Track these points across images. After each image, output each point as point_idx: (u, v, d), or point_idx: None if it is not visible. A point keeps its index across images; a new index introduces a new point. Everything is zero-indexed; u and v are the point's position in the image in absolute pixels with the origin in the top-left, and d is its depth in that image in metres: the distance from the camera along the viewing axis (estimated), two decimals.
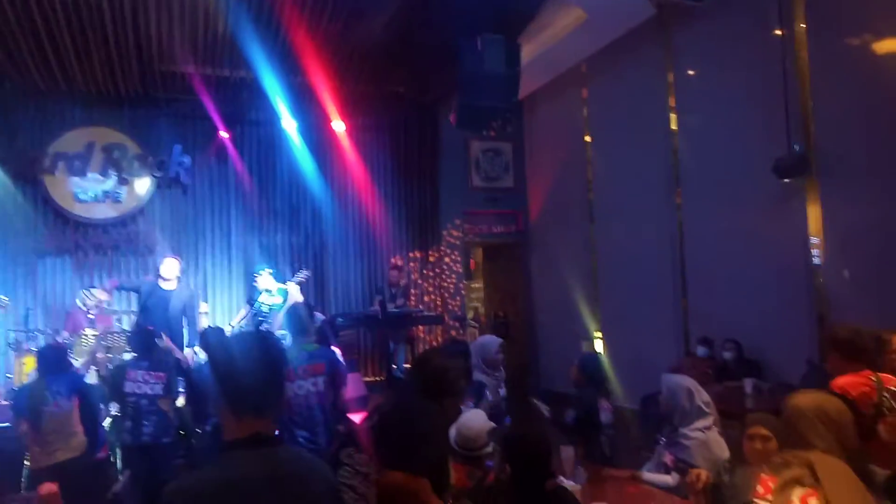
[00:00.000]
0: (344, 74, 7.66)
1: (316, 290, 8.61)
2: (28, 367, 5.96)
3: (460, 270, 9.61)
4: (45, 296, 7.35)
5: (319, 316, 6.51)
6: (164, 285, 6.09)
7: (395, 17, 6.63)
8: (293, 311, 4.58)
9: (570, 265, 8.54)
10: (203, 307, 7.41)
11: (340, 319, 7.94)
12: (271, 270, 6.74)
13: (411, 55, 7.51)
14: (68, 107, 7.50)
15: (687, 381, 3.67)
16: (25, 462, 4.44)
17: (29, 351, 6.19)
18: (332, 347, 5.39)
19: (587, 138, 8.29)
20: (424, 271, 9.29)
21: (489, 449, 3.08)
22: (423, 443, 2.06)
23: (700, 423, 3.49)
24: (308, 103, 8.09)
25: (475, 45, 6.17)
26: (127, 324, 6.84)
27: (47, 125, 7.45)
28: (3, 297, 5.85)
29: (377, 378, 8.23)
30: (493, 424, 3.21)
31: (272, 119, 8.20)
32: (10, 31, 6.03)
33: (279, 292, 6.57)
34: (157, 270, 6.18)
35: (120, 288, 6.57)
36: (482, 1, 6.18)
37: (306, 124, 8.36)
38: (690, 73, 6.70)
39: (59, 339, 6.24)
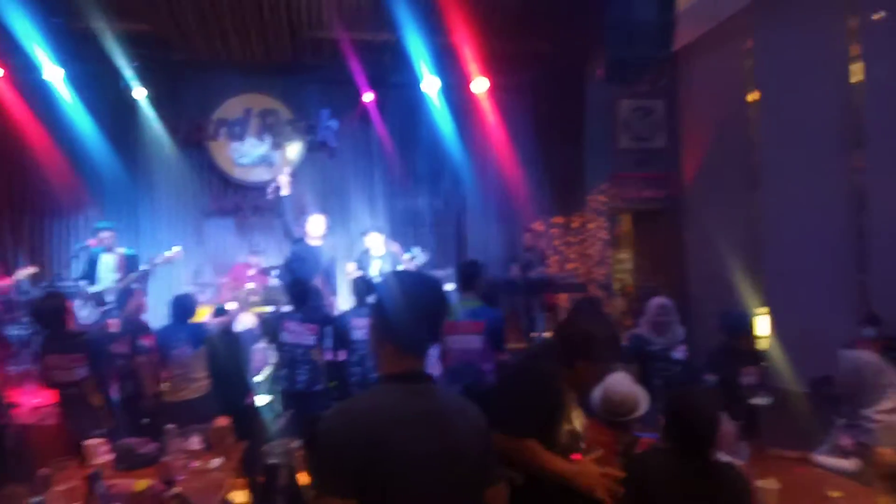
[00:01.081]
0: (487, 31, 7.43)
1: (457, 254, 8.60)
2: (199, 318, 6.46)
3: (606, 237, 9.15)
4: (211, 253, 7.95)
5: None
6: (311, 242, 6.30)
7: None
8: (460, 268, 4.59)
9: (730, 234, 7.78)
10: (349, 266, 7.64)
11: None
12: (382, 235, 6.81)
13: (557, 6, 7.13)
14: (228, 76, 7.96)
15: (873, 358, 3.24)
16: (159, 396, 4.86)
17: (199, 303, 6.72)
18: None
19: (751, 94, 7.46)
20: (567, 238, 8.95)
21: (638, 413, 2.92)
22: (524, 404, 2.21)
23: (887, 405, 3.10)
24: (449, 64, 7.97)
25: None
26: (279, 279, 7.18)
27: (210, 94, 8.00)
28: (176, 247, 6.34)
29: (517, 345, 8.07)
30: (640, 389, 3.00)
31: (413, 82, 8.20)
32: (179, 5, 6.44)
33: (386, 257, 6.66)
34: (304, 228, 6.40)
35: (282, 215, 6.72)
36: None
37: (447, 86, 8.27)
38: (876, 17, 5.75)
39: (224, 293, 6.74)
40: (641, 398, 2.94)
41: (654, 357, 4.29)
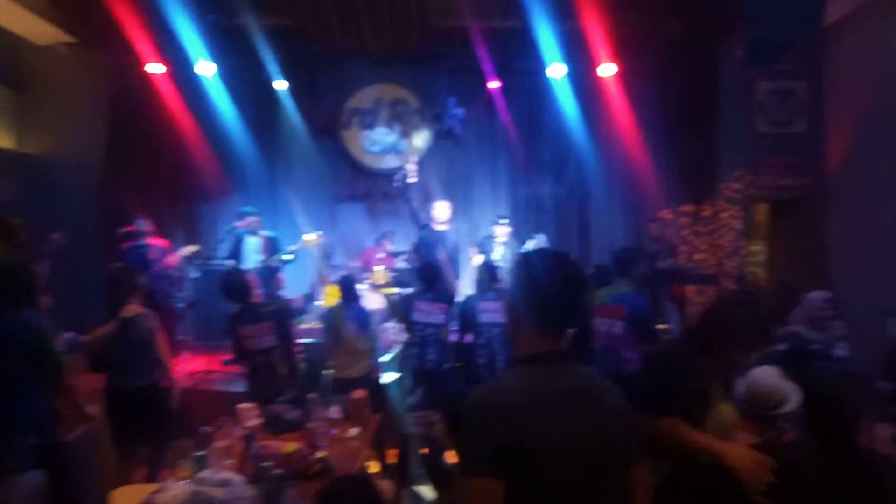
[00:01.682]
0: (616, 14, 7.22)
1: (580, 242, 8.49)
2: (331, 296, 6.86)
3: (739, 228, 8.64)
4: (343, 236, 8.37)
5: None
6: (437, 227, 6.47)
7: None
8: (616, 254, 4.59)
9: (881, 225, 7.09)
10: (472, 252, 7.78)
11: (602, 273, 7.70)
12: (507, 221, 6.81)
13: None
14: (361, 66, 8.29)
15: None
16: (325, 371, 5.12)
17: (332, 282, 7.13)
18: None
19: None
20: (696, 228, 8.55)
21: (785, 409, 2.77)
22: (671, 386, 2.18)
23: None
24: (576, 50, 7.83)
25: None
26: (407, 263, 7.43)
27: (344, 85, 8.41)
28: (317, 233, 6.75)
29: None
30: (790, 384, 2.83)
31: (539, 68, 8.13)
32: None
33: (509, 243, 6.66)
34: (430, 213, 6.59)
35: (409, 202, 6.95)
36: None
37: (573, 72, 8.13)
38: None
39: (354, 273, 7.08)
40: (790, 394, 2.79)
41: (814, 356, 4.03)
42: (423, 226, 6.49)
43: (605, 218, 8.56)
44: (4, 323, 2.84)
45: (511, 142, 8.47)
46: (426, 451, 2.44)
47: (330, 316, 5.08)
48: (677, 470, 2.14)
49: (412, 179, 6.65)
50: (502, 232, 6.72)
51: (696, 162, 8.49)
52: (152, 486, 3.70)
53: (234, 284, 4.53)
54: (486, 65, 7.91)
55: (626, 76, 8.29)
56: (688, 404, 2.16)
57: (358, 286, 5.44)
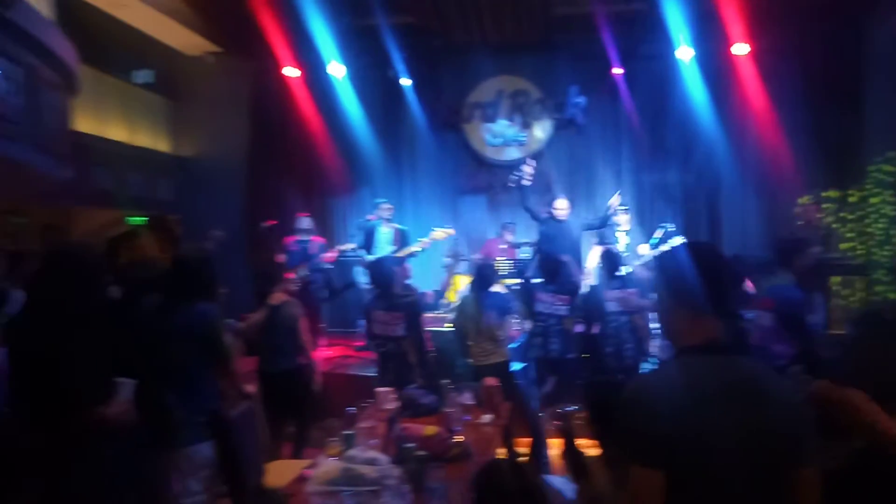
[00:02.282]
0: None
1: (709, 232, 8.12)
2: (457, 286, 7.04)
3: (891, 214, 7.88)
4: (465, 228, 8.53)
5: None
6: (557, 219, 6.48)
7: None
8: (777, 244, 4.52)
9: None
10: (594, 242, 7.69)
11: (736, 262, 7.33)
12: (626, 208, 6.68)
13: None
14: (481, 59, 8.33)
15: None
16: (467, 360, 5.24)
17: (457, 273, 7.32)
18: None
19: None
20: (841, 214, 7.90)
21: None
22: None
23: None
24: (705, 30, 7.48)
25: None
26: (528, 254, 7.46)
27: (465, 78, 8.53)
28: (448, 230, 6.96)
29: None
30: None
31: (665, 52, 7.84)
32: None
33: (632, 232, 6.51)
34: (551, 206, 6.57)
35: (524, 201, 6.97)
36: None
37: (703, 53, 7.77)
38: None
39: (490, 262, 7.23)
40: None
41: None
42: (544, 220, 6.51)
43: (738, 206, 8.11)
44: (183, 314, 3.13)
45: (635, 129, 8.23)
46: (563, 442, 2.46)
47: (468, 304, 5.10)
48: (859, 457, 1.97)
49: (527, 182, 6.68)
50: (624, 220, 6.59)
51: (841, 142, 7.82)
52: (303, 462, 4.01)
53: (379, 272, 4.77)
54: (610, 51, 7.72)
55: (761, 53, 7.78)
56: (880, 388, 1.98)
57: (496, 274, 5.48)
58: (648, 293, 4.90)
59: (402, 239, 6.92)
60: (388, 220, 6.98)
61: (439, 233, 6.84)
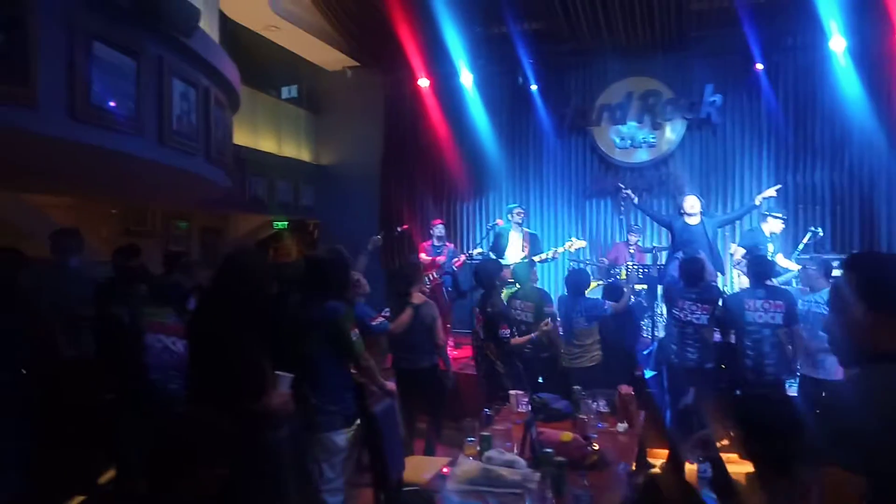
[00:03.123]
0: None
1: (862, 237, 7.45)
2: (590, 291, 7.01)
3: None
4: (591, 232, 8.47)
5: None
6: (689, 220, 6.24)
7: None
8: None
9: None
10: (732, 248, 7.31)
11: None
12: (783, 216, 6.25)
13: None
14: (610, 61, 8.21)
15: None
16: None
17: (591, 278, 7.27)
18: None
19: None
20: None
21: None
22: None
23: None
24: (864, 15, 6.91)
25: None
26: (661, 259, 7.25)
27: (593, 81, 8.40)
28: (581, 241, 6.99)
29: None
30: None
31: (814, 42, 7.33)
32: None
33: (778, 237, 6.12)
34: (681, 208, 6.34)
35: (646, 212, 7.02)
36: None
37: (859, 42, 7.17)
38: None
39: (605, 269, 7.16)
40: None
41: None
42: (675, 222, 6.31)
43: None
44: (313, 309, 3.37)
45: (778, 126, 7.73)
46: (708, 461, 2.41)
47: (562, 307, 5.31)
48: None
49: (635, 200, 6.77)
50: (777, 226, 6.20)
51: None
52: (441, 460, 4.19)
53: (484, 272, 4.91)
54: (751, 44, 7.33)
55: None
56: None
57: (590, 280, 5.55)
58: (795, 308, 4.61)
59: (532, 243, 6.98)
60: (519, 225, 7.06)
61: (574, 243, 6.85)
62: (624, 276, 6.72)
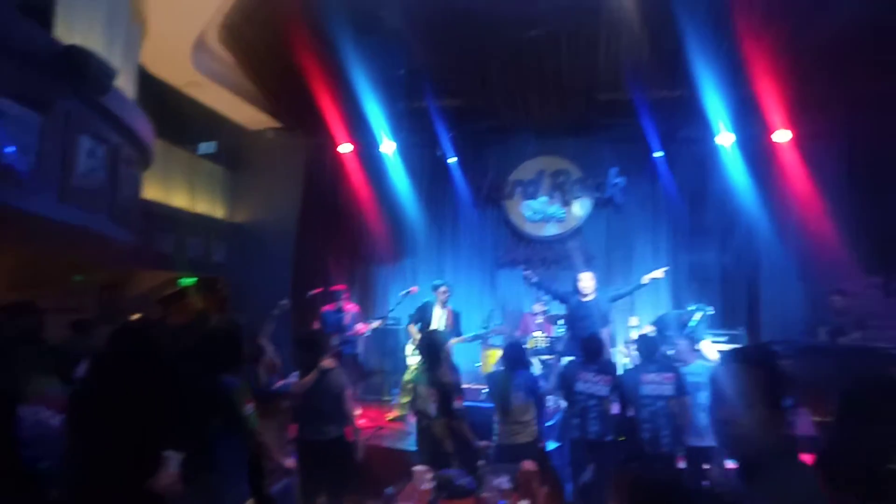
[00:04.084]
0: (794, 78, 6.99)
1: (748, 314, 8.05)
2: (492, 360, 7.11)
3: None
4: (502, 301, 8.68)
5: None
6: (583, 298, 6.53)
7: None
8: None
9: None
10: (632, 320, 7.72)
11: (778, 347, 7.23)
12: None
13: (887, 40, 6.39)
14: (525, 140, 8.72)
15: None
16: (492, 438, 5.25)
17: (492, 346, 7.39)
18: None
19: None
20: (888, 299, 7.77)
21: None
22: None
23: None
24: (748, 115, 7.67)
25: None
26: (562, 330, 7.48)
27: (509, 157, 8.85)
28: (503, 328, 7.16)
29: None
30: None
31: (706, 135, 8.03)
32: (491, 79, 7.34)
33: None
34: (576, 286, 6.63)
35: (545, 290, 7.17)
36: None
37: (744, 138, 7.93)
38: None
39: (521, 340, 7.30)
40: None
41: None
42: (571, 298, 6.60)
43: (778, 289, 8.04)
44: (206, 384, 3.27)
45: (674, 209, 8.35)
46: None
47: (496, 382, 5.14)
48: None
49: (533, 279, 7.00)
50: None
51: (886, 227, 7.78)
52: None
53: (430, 345, 4.84)
54: (651, 134, 7.96)
55: (804, 140, 7.90)
56: None
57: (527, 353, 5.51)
58: (684, 379, 4.88)
59: (455, 321, 7.05)
60: (444, 304, 7.10)
61: (500, 328, 7.13)
62: (532, 346, 6.89)
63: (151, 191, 7.30)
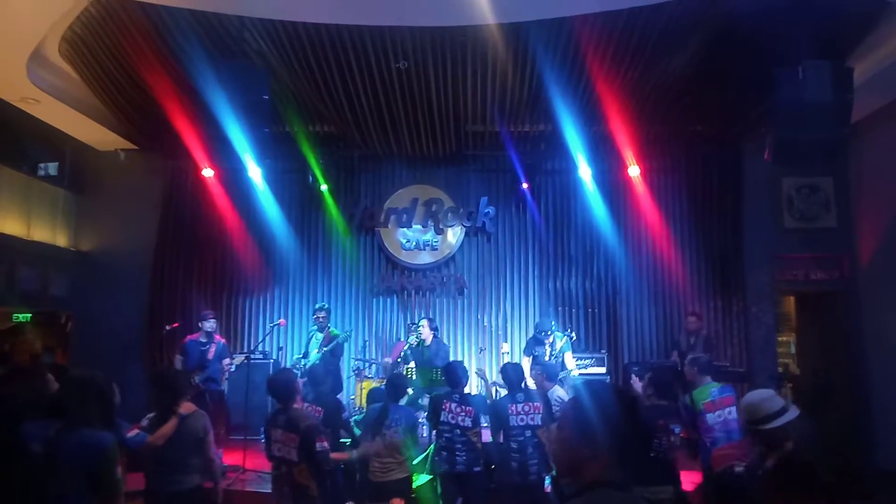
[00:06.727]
0: (641, 118, 7.62)
1: (609, 335, 8.54)
2: (366, 391, 6.95)
3: (770, 322, 8.65)
4: (377, 330, 8.57)
5: None
6: (424, 343, 6.99)
7: (698, 54, 6.42)
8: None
9: None
10: (504, 347, 7.92)
11: (635, 368, 7.71)
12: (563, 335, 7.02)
13: (714, 90, 7.17)
14: (398, 168, 8.79)
15: None
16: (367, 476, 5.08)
17: (366, 377, 7.24)
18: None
19: None
20: (726, 321, 8.57)
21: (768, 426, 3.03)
22: None
23: None
24: (603, 151, 8.25)
25: (795, 74, 5.60)
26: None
27: (382, 185, 8.84)
28: (346, 330, 7.02)
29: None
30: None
31: (568, 168, 8.51)
32: (362, 109, 7.29)
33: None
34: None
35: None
36: (801, 27, 5.64)
37: (601, 171, 8.50)
38: None
39: (387, 368, 7.22)
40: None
41: None
42: (414, 347, 6.94)
43: (635, 311, 8.63)
44: (72, 440, 2.81)
45: (541, 237, 8.72)
46: None
47: (373, 416, 4.90)
48: None
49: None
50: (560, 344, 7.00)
51: (723, 256, 8.62)
52: None
53: (278, 384, 4.34)
54: (518, 165, 8.29)
55: (652, 173, 8.62)
56: None
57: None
58: (550, 408, 5.01)
59: (331, 342, 6.98)
60: (323, 328, 7.00)
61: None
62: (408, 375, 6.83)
63: None
